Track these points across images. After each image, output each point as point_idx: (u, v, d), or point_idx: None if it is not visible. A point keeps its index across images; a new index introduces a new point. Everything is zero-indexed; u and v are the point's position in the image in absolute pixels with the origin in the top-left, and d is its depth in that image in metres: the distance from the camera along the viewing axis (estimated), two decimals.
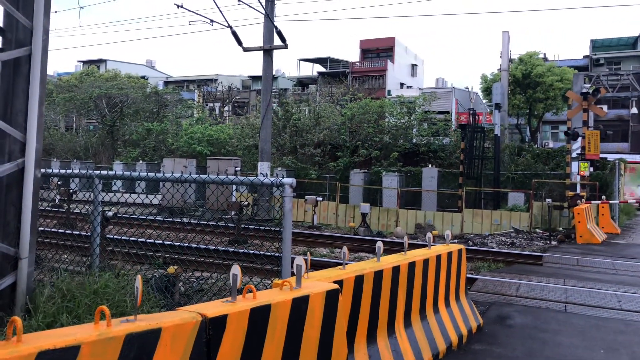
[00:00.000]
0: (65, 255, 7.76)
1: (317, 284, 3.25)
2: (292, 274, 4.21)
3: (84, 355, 1.70)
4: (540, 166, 24.77)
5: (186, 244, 8.97)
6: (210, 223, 15.49)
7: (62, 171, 5.37)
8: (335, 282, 3.56)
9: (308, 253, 3.83)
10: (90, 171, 4.87)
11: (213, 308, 2.42)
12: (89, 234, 8.75)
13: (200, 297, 6.91)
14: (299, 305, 2.88)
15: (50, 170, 5.26)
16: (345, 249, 4.23)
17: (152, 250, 8.49)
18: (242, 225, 13.68)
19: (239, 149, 30.44)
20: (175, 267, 8.48)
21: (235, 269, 2.68)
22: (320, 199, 19.99)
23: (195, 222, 15.29)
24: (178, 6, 17.85)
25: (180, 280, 7.53)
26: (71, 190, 15.08)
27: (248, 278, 7.84)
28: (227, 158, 23.72)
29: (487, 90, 36.17)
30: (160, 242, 7.98)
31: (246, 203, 14.89)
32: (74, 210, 14.10)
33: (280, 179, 3.99)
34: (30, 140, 4.52)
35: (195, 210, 20.37)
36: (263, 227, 13.59)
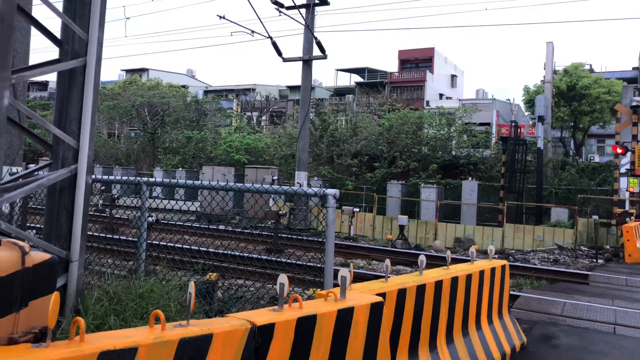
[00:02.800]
0: (109, 259, 7.99)
1: (361, 296, 3.23)
2: (335, 285, 4.21)
3: (141, 357, 1.74)
4: (586, 181, 23.98)
5: (226, 252, 9.07)
6: (246, 231, 15.66)
7: (112, 177, 5.54)
8: (378, 294, 3.53)
9: (351, 265, 3.80)
10: (139, 178, 5.01)
11: (261, 316, 2.43)
12: (132, 238, 8.97)
13: (238, 304, 6.97)
14: (344, 317, 2.87)
15: (100, 177, 5.43)
16: (387, 261, 4.19)
17: (191, 257, 8.64)
18: (279, 234, 13.75)
19: (275, 157, 30.73)
20: (215, 273, 8.60)
21: (283, 278, 2.69)
22: (357, 210, 19.94)
23: (232, 229, 15.48)
24: (220, 17, 18.26)
25: (219, 287, 7.62)
26: (114, 196, 15.50)
27: (290, 287, 7.83)
28: (265, 167, 23.98)
29: (530, 102, 35.32)
30: (203, 249, 8.10)
31: (283, 212, 14.99)
32: (116, 215, 14.51)
33: (324, 189, 4.00)
34: (83, 147, 4.68)
35: (232, 218, 20.62)
36: (303, 237, 13.60)
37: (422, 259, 4.56)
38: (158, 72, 57.96)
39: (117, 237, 8.31)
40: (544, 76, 32.63)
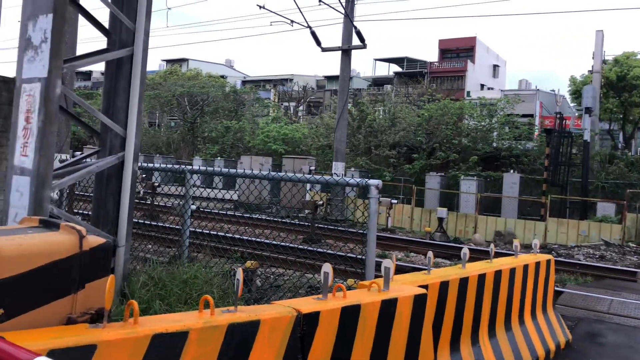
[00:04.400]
0: (150, 246, 8.19)
1: (404, 287, 3.20)
2: (376, 277, 4.18)
3: (192, 341, 1.77)
4: (635, 175, 23.00)
5: (266, 241, 9.17)
6: (284, 220, 15.78)
7: (156, 165, 5.66)
8: (420, 286, 3.49)
9: (394, 256, 3.78)
10: (183, 166, 5.10)
11: (306, 304, 2.44)
12: (174, 226, 9.16)
13: (277, 292, 7.04)
14: (388, 308, 2.85)
15: (146, 165, 5.55)
16: (430, 253, 4.14)
17: (231, 245, 8.76)
18: (316, 224, 13.79)
19: (312, 148, 30.77)
20: (254, 262, 8.70)
21: (327, 267, 2.69)
22: (395, 201, 19.77)
23: (271, 219, 15.63)
24: (260, 7, 18.33)
25: (258, 275, 7.71)
26: (155, 184, 15.82)
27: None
28: (302, 157, 24.06)
29: (576, 93, 34.05)
30: (243, 237, 8.21)
31: (321, 202, 15.01)
32: (158, 203, 14.84)
33: (366, 180, 3.97)
34: (130, 136, 4.79)
35: (269, 208, 20.81)
36: (340, 228, 13.59)
37: (465, 251, 4.49)
38: (197, 62, 58.83)
39: (161, 224, 8.52)
40: (592, 66, 31.32)
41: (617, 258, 12.84)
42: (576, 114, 35.84)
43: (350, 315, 2.59)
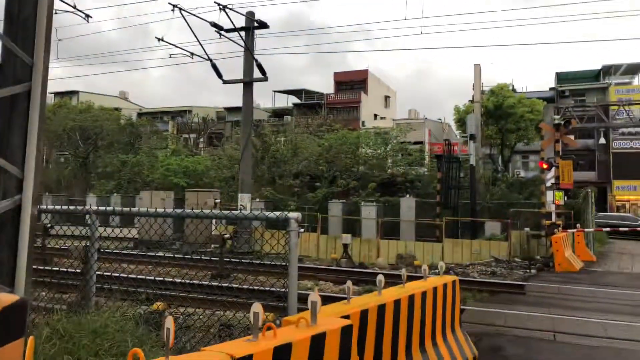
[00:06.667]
0: (45, 293, 7.53)
1: (330, 320, 3.26)
2: (299, 310, 4.21)
3: None
4: (515, 195, 25.33)
5: (173, 279, 8.81)
6: (189, 256, 15.24)
7: (58, 207, 5.27)
8: (342, 316, 3.59)
9: (316, 289, 3.85)
10: (87, 207, 4.81)
11: (238, 348, 2.42)
12: (71, 269, 8.49)
13: (188, 333, 6.77)
14: (317, 342, 2.89)
15: (45, 207, 5.15)
16: (349, 283, 4.26)
17: (135, 286, 8.29)
18: (224, 259, 13.49)
19: (216, 180, 30.27)
20: (162, 303, 8.30)
21: (257, 307, 2.68)
22: (302, 230, 19.94)
23: (174, 255, 15.03)
24: (159, 39, 17.97)
25: (165, 316, 7.36)
26: (48, 225, 14.64)
27: (241, 314, 7.68)
28: (206, 190, 23.55)
29: (460, 121, 37.06)
30: (149, 277, 7.83)
31: (228, 235, 14.75)
32: (48, 245, 13.68)
33: (286, 213, 4.03)
34: (28, 177, 4.44)
35: (172, 244, 20.04)
36: (259, 262, 13.39)
37: (380, 278, 4.66)
38: (89, 94, 55.75)
39: (57, 269, 7.87)
40: (473, 96, 34.35)
41: (507, 273, 13.97)
42: (461, 141, 38.84)
43: (282, 355, 2.60)
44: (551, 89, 45.81)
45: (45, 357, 3.76)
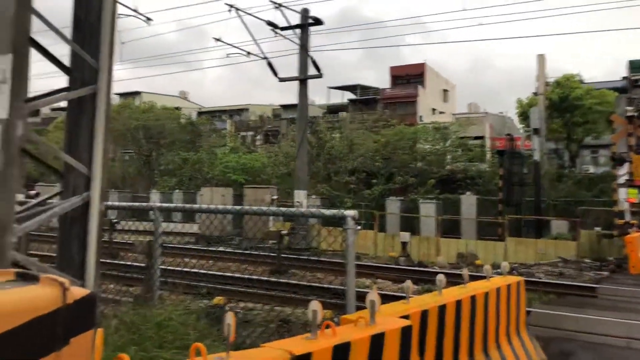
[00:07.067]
0: (112, 285, 7.87)
1: (390, 319, 3.18)
2: (357, 308, 4.15)
3: None
4: (583, 193, 24.07)
5: (233, 274, 8.98)
6: (247, 252, 15.53)
7: (124, 204, 5.48)
8: (402, 316, 3.50)
9: (374, 288, 3.77)
10: (151, 204, 4.96)
11: (298, 345, 2.39)
12: (137, 264, 8.84)
13: (247, 328, 6.86)
14: (377, 342, 2.83)
15: (111, 203, 5.37)
16: (408, 282, 4.15)
17: (196, 280, 8.51)
18: (282, 254, 13.63)
19: (273, 176, 30.71)
20: (221, 297, 8.47)
21: (315, 305, 2.64)
22: (359, 227, 19.85)
23: (233, 251, 15.36)
24: (216, 39, 18.39)
25: (226, 311, 7.51)
26: (114, 221, 15.35)
27: (299, 310, 7.72)
28: (264, 187, 23.93)
29: (523, 115, 35.61)
30: (210, 272, 8.02)
31: (285, 232, 14.91)
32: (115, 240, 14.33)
33: (343, 211, 3.98)
34: (95, 175, 4.63)
35: (232, 239, 20.48)
36: (316, 258, 13.44)
37: (441, 277, 4.52)
38: (151, 94, 58.00)
39: (123, 262, 8.22)
40: (537, 88, 32.94)
41: (575, 274, 13.28)
42: (524, 135, 37.34)
43: (341, 353, 2.56)
44: (623, 78, 43.11)
45: (114, 347, 3.91)
